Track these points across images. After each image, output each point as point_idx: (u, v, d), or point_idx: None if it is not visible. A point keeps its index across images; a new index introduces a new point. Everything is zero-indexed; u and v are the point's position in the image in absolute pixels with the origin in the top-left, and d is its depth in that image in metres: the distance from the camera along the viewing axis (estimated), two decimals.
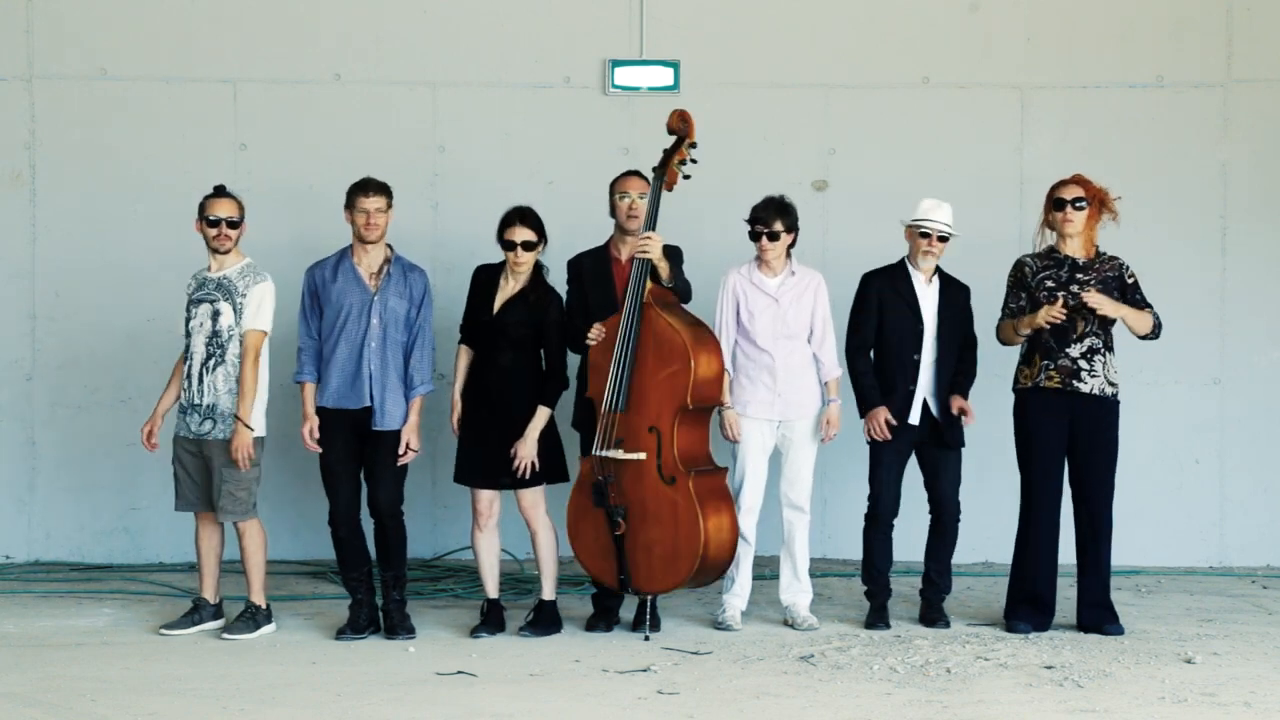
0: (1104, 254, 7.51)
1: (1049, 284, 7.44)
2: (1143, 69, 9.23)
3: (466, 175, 9.04)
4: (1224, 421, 9.25)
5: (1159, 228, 9.06)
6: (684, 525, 7.27)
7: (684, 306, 7.49)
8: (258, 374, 7.33)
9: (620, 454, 7.28)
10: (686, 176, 7.43)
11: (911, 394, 7.58)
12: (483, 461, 7.39)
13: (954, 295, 7.67)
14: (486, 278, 7.49)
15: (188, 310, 7.41)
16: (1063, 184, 7.52)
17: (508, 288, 7.42)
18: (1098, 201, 7.46)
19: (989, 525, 8.57)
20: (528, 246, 7.35)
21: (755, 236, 7.56)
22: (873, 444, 7.64)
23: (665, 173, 7.40)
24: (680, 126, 7.44)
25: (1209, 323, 9.23)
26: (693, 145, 7.41)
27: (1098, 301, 7.34)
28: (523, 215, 7.37)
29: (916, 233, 7.61)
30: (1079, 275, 7.44)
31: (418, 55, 9.20)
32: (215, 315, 7.36)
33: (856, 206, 9.10)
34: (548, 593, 7.50)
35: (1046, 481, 7.49)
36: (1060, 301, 7.35)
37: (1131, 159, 9.11)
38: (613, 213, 7.62)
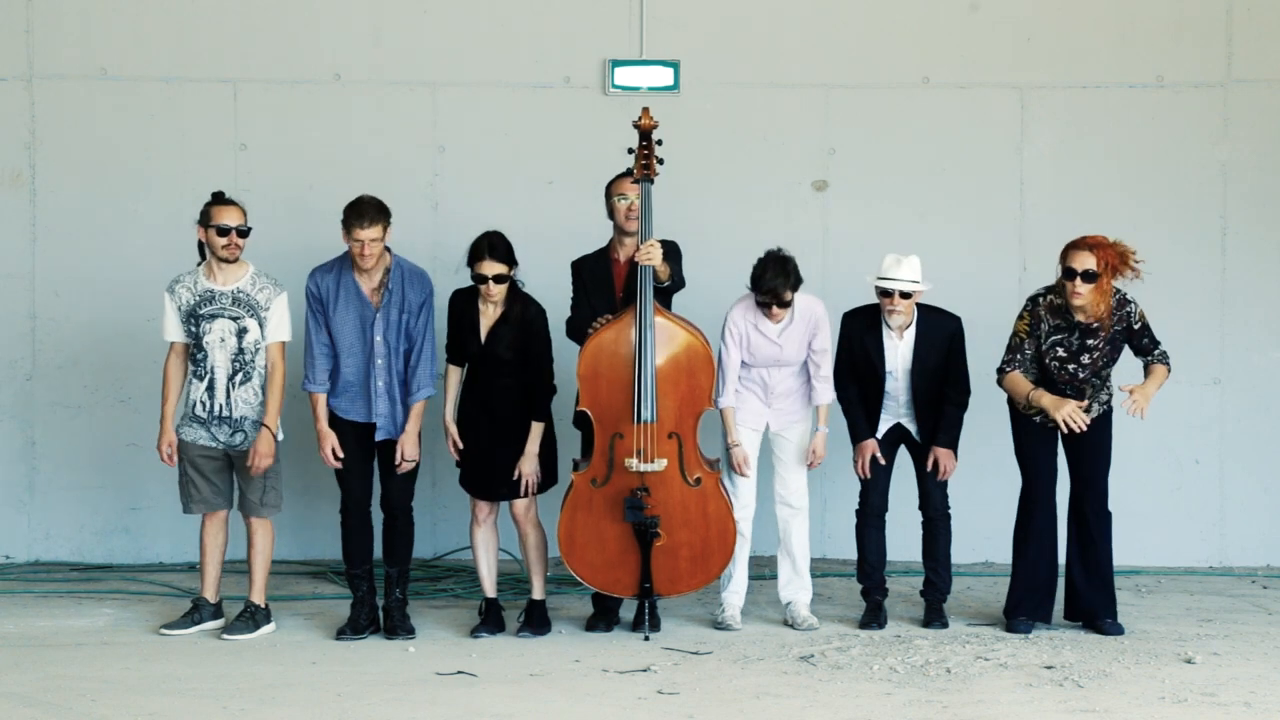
0: (1118, 300, 7.33)
1: (1060, 352, 7.35)
2: (1143, 69, 9.22)
3: (466, 175, 9.04)
4: (1224, 421, 9.24)
5: (1159, 228, 9.05)
6: (715, 523, 7.35)
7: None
8: (284, 383, 7.38)
9: (653, 467, 7.26)
10: (660, 160, 7.41)
11: (880, 419, 7.62)
12: (484, 476, 7.43)
13: (932, 342, 7.54)
14: (465, 304, 7.45)
15: (195, 324, 7.33)
16: (1075, 248, 7.24)
17: (489, 313, 7.38)
18: (1111, 269, 7.20)
19: (989, 525, 8.56)
20: (499, 280, 7.29)
21: (764, 305, 7.46)
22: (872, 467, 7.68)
23: (649, 172, 7.38)
24: (650, 124, 7.42)
25: (1209, 323, 9.22)
26: (659, 142, 7.42)
27: (1144, 412, 7.26)
28: (491, 246, 7.29)
29: (879, 292, 7.52)
30: (1090, 341, 7.33)
31: (418, 55, 9.19)
32: (241, 332, 7.32)
33: (856, 206, 9.09)
34: (539, 592, 7.52)
35: (1044, 479, 7.49)
36: (1086, 406, 7.29)
37: (1131, 159, 9.11)
38: (611, 215, 7.63)
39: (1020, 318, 7.45)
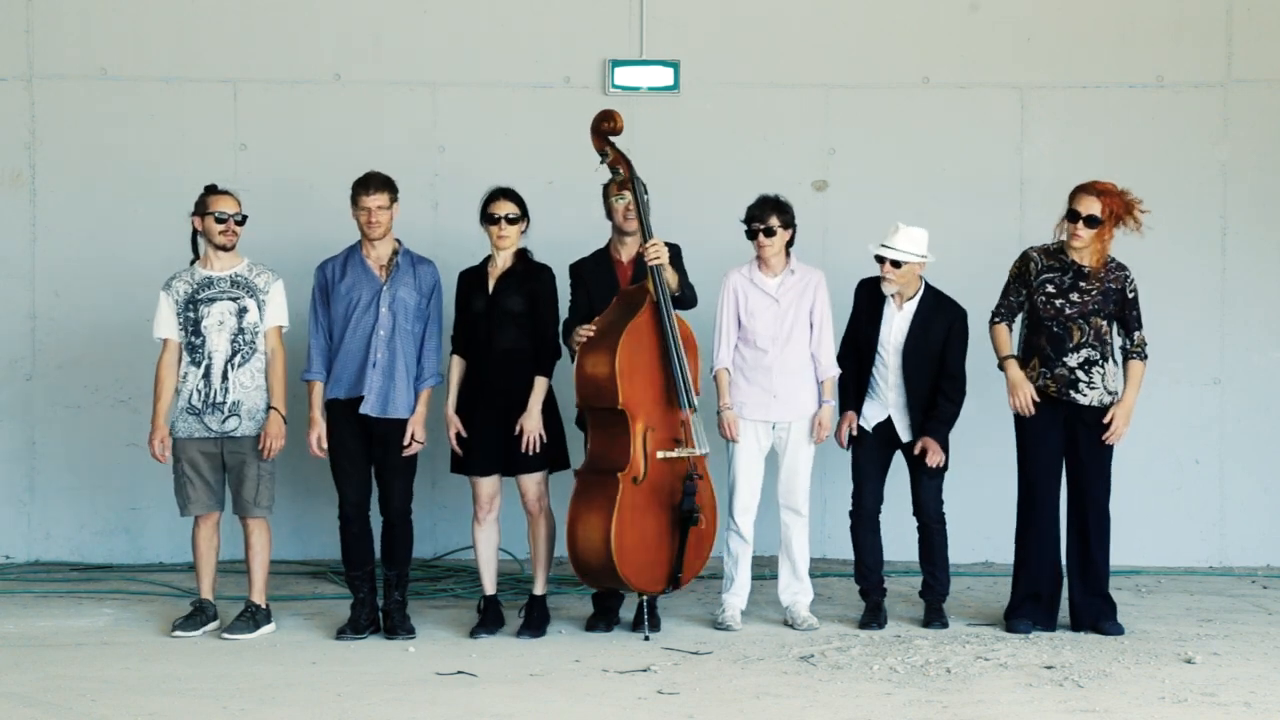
0: (1113, 263, 7.45)
1: (1049, 289, 7.39)
2: (1143, 69, 9.23)
3: (466, 175, 9.02)
4: (1224, 421, 9.25)
5: (1159, 228, 8.97)
6: (709, 507, 7.45)
7: None
8: (286, 367, 7.43)
9: (697, 451, 7.36)
10: (628, 162, 7.41)
11: (871, 402, 7.60)
12: (487, 448, 7.39)
13: (931, 323, 7.57)
14: (472, 276, 7.51)
15: (194, 310, 7.36)
16: (1083, 192, 7.37)
17: (496, 270, 7.44)
18: (1114, 218, 7.32)
19: (989, 525, 8.57)
20: (511, 220, 7.38)
21: (752, 234, 7.56)
22: (852, 442, 7.67)
23: (631, 177, 7.39)
24: (602, 145, 7.42)
25: (1209, 323, 9.23)
26: (618, 163, 7.42)
27: (1118, 436, 7.40)
28: (505, 192, 7.44)
29: (876, 259, 7.58)
30: (1081, 283, 7.39)
31: (418, 55, 9.20)
32: (241, 313, 7.36)
33: (856, 206, 9.09)
34: (541, 587, 7.51)
35: (1045, 480, 7.49)
36: (1032, 397, 7.38)
37: (1131, 159, 9.11)
38: (609, 215, 7.63)
39: (1015, 263, 7.55)
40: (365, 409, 7.31)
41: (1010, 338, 7.55)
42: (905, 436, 7.61)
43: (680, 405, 7.33)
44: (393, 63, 9.20)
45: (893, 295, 7.57)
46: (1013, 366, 7.46)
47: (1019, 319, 7.57)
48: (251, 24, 9.15)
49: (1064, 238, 7.43)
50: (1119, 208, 7.33)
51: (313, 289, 7.46)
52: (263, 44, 9.15)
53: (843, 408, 7.66)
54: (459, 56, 9.22)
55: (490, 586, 7.53)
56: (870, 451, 7.63)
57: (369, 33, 9.21)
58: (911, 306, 7.59)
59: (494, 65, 9.21)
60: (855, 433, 7.60)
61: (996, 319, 7.57)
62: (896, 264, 7.50)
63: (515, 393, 7.36)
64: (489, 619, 7.46)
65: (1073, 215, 7.36)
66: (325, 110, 9.18)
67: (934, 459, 7.53)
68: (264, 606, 7.48)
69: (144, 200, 9.06)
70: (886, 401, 7.61)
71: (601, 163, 7.45)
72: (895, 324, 7.57)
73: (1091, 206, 7.33)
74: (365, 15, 9.20)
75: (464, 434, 7.40)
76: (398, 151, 8.99)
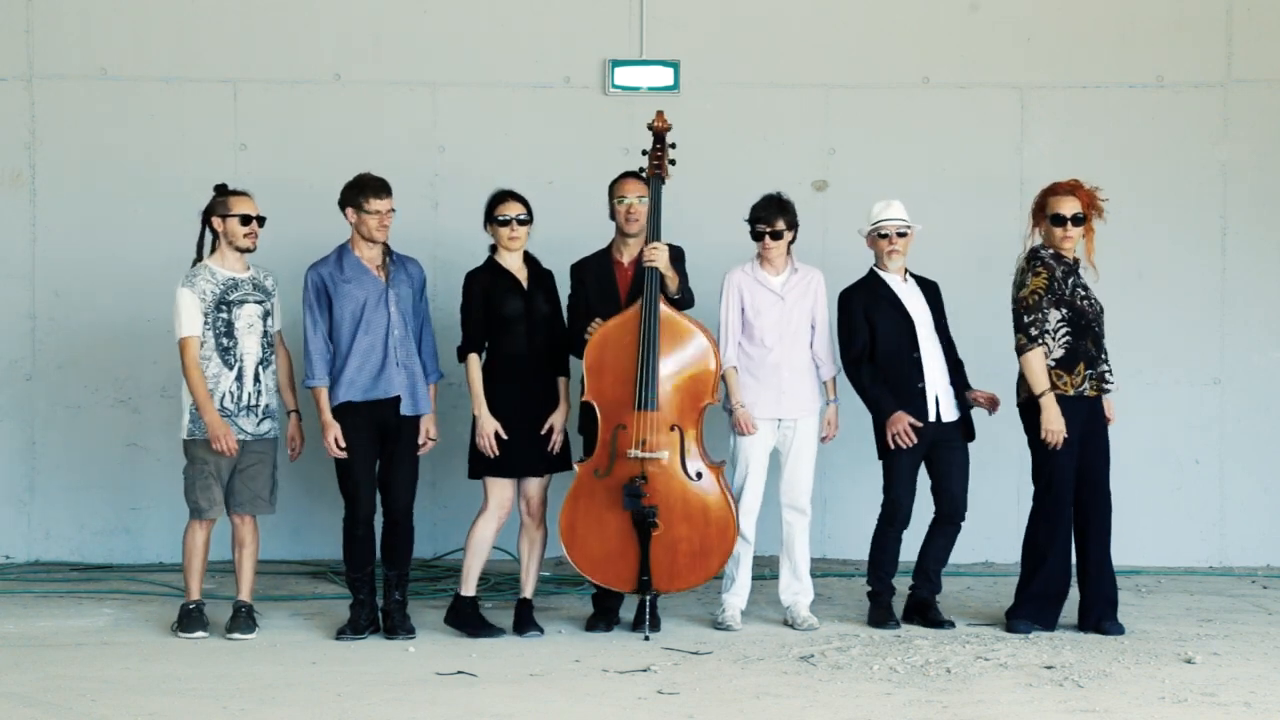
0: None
1: (1082, 291, 7.40)
2: (1143, 69, 9.23)
3: (466, 175, 9.03)
4: (1224, 421, 9.25)
5: (1159, 228, 9.07)
6: (715, 520, 7.34)
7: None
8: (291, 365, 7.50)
9: (653, 455, 7.27)
10: (673, 162, 7.45)
11: (922, 391, 7.52)
12: (529, 451, 7.40)
13: (931, 292, 7.68)
14: (491, 278, 7.48)
15: (227, 310, 7.32)
16: (1058, 194, 7.40)
17: (516, 270, 7.45)
18: (1090, 210, 7.39)
19: (989, 525, 8.57)
20: (521, 221, 7.42)
21: (758, 236, 7.56)
22: (893, 449, 7.55)
23: (661, 173, 7.41)
24: (664, 126, 7.50)
25: (1209, 323, 9.23)
26: (672, 145, 7.48)
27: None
28: (512, 194, 7.47)
29: (877, 236, 7.60)
30: (1083, 279, 7.45)
31: (418, 55, 9.20)
32: (266, 316, 7.39)
33: (856, 206, 9.05)
34: (531, 591, 7.52)
35: (1068, 480, 7.41)
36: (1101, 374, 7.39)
37: (1131, 159, 9.12)
38: (612, 216, 7.63)
39: (1035, 274, 7.39)
40: (405, 410, 7.33)
41: (1045, 368, 7.35)
42: (954, 414, 7.56)
43: (635, 406, 7.29)
44: (393, 63, 9.20)
45: (898, 269, 7.61)
46: (1052, 403, 7.32)
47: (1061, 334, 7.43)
48: (251, 24, 9.16)
49: (1038, 243, 7.42)
50: (1090, 199, 7.41)
51: (307, 294, 7.39)
52: (263, 44, 9.16)
53: (884, 413, 7.51)
54: (459, 56, 9.22)
55: (474, 587, 7.51)
56: (911, 459, 7.54)
57: (369, 33, 9.21)
58: (911, 278, 7.66)
59: (494, 65, 9.22)
60: (920, 424, 7.48)
61: (1037, 342, 7.35)
62: (902, 234, 7.57)
63: (546, 394, 7.44)
64: (477, 621, 7.44)
65: (1058, 219, 7.36)
66: (325, 110, 9.18)
67: (997, 406, 7.58)
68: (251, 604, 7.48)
69: (144, 200, 9.07)
70: (935, 383, 7.55)
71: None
72: (917, 299, 7.62)
73: (1073, 206, 7.37)
74: (365, 15, 9.21)
75: (505, 435, 7.39)
76: (398, 151, 9.00)
